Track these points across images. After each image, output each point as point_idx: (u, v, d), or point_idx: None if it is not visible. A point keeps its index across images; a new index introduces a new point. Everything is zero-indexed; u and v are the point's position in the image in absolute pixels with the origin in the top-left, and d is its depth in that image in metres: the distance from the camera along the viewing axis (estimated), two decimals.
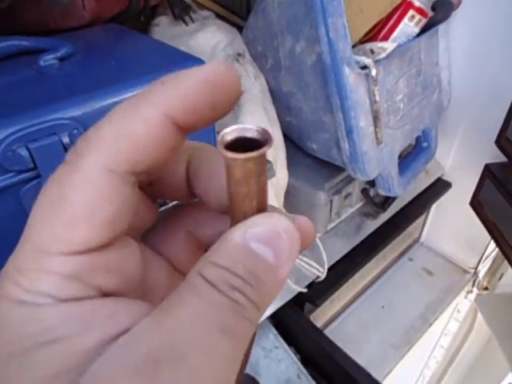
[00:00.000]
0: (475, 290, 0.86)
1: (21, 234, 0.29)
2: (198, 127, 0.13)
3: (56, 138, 0.27)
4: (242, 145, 0.12)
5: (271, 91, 0.58)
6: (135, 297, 0.14)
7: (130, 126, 0.12)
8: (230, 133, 0.12)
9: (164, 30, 0.61)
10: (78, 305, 0.11)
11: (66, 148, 0.27)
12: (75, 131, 0.28)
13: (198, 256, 0.17)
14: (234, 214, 0.13)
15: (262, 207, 0.13)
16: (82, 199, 0.11)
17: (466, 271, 0.84)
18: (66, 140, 0.27)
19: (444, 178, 0.77)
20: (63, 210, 0.11)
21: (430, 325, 0.75)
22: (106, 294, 0.12)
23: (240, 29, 0.62)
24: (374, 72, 0.45)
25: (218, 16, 0.65)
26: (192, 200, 0.16)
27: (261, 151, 0.12)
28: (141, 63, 0.35)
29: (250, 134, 0.13)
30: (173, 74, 0.12)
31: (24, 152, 0.26)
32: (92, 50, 0.38)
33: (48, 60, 0.33)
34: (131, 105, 0.12)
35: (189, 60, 0.35)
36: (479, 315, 0.85)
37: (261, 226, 0.12)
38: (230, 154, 0.12)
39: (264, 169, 0.12)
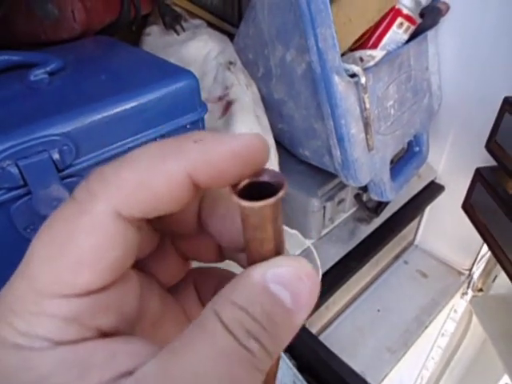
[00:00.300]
0: (470, 291, 0.87)
1: (11, 251, 0.29)
2: (217, 188, 0.13)
3: (46, 155, 0.27)
4: (254, 188, 0.12)
5: (263, 99, 0.58)
6: (130, 326, 0.13)
7: (152, 178, 0.11)
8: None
9: (155, 39, 0.61)
10: (75, 348, 0.11)
11: (56, 164, 0.28)
12: (65, 147, 0.28)
13: (184, 268, 0.17)
14: (251, 257, 0.13)
15: (279, 249, 0.13)
16: (89, 243, 0.11)
17: (460, 273, 0.84)
18: (56, 156, 0.27)
19: (437, 181, 0.78)
20: (69, 252, 0.11)
21: (426, 327, 0.76)
22: (104, 333, 0.12)
23: (232, 36, 0.62)
24: (363, 80, 0.45)
25: (210, 24, 0.65)
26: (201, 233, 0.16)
27: (278, 197, 0.11)
28: (131, 77, 0.35)
29: (263, 178, 0.12)
30: (208, 132, 0.12)
31: (14, 169, 0.26)
32: (82, 63, 0.38)
33: (38, 75, 0.33)
34: (157, 155, 0.12)
35: (180, 73, 0.35)
36: (474, 316, 0.86)
37: (283, 268, 0.12)
38: (246, 203, 0.11)
39: (279, 211, 0.12)
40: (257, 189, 0.12)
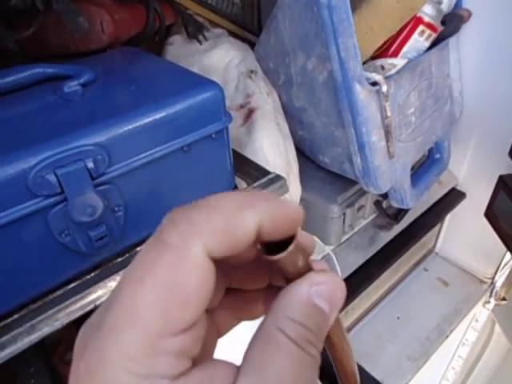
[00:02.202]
0: (492, 300, 0.85)
1: (48, 256, 0.30)
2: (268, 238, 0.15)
3: (82, 164, 0.28)
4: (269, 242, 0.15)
5: (283, 106, 0.59)
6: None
7: (236, 226, 0.14)
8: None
9: (178, 48, 0.63)
10: (188, 380, 0.13)
11: (90, 172, 0.29)
12: (99, 156, 0.29)
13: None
14: (289, 279, 0.15)
15: (309, 266, 0.16)
16: (194, 284, 0.13)
17: (482, 281, 0.83)
18: (90, 165, 0.29)
19: (458, 188, 0.77)
20: (178, 294, 0.13)
21: (447, 336, 0.74)
22: (194, 361, 0.14)
23: (252, 45, 0.63)
24: (384, 88, 0.45)
25: (231, 33, 0.67)
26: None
27: (289, 250, 0.14)
28: (159, 87, 0.36)
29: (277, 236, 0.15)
30: (273, 194, 0.15)
31: (52, 178, 0.27)
32: (111, 74, 0.39)
33: (72, 86, 0.34)
34: (237, 206, 0.14)
35: (206, 83, 0.36)
36: (497, 326, 0.84)
37: (322, 286, 0.15)
38: (282, 254, 0.14)
39: (299, 248, 0.15)
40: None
